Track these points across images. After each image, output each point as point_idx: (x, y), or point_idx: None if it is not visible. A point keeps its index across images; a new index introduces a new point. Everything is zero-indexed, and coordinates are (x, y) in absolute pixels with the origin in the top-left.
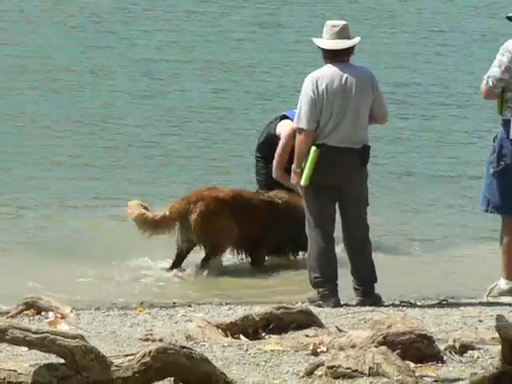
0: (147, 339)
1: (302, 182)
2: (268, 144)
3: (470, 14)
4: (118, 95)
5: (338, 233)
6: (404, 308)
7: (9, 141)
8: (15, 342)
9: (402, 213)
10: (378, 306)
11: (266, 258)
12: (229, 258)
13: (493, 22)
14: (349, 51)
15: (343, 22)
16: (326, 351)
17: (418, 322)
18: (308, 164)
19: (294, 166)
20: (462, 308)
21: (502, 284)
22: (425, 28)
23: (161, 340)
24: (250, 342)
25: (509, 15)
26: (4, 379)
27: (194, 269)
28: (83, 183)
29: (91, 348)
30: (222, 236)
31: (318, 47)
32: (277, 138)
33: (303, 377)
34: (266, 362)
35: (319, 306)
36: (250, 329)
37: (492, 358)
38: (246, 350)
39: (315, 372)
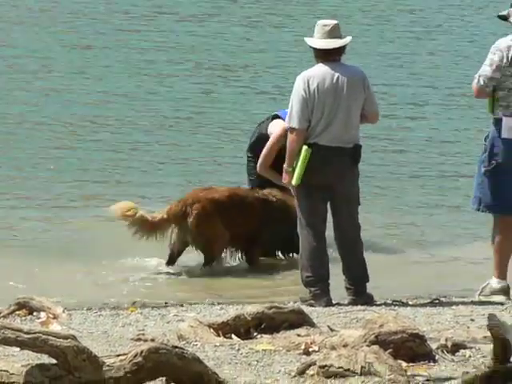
0: (139, 339)
1: (294, 182)
2: (260, 144)
3: (463, 14)
4: (110, 96)
5: (329, 232)
6: (396, 307)
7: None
8: (7, 342)
9: (393, 213)
10: (369, 305)
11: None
12: (222, 257)
13: (485, 21)
14: (340, 50)
15: (334, 22)
16: (318, 350)
17: (409, 321)
18: (299, 163)
19: (285, 166)
20: (453, 307)
21: (494, 283)
22: (417, 27)
23: (153, 340)
24: (242, 341)
25: (500, 14)
26: None
27: (185, 269)
28: (74, 184)
29: (83, 348)
30: (217, 239)
31: (310, 46)
32: (268, 138)
33: (295, 376)
34: (257, 361)
35: (311, 305)
36: (242, 328)
37: (484, 356)
38: (238, 349)
39: (307, 371)
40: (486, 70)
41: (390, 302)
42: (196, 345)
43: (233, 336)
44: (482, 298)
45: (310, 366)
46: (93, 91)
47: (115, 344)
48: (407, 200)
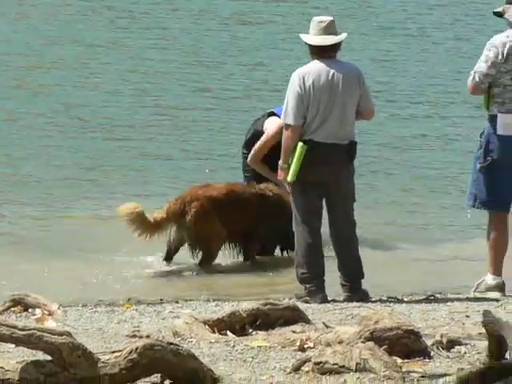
0: (134, 336)
1: (289, 178)
2: (255, 140)
3: (458, 12)
4: (103, 94)
5: (325, 229)
6: (391, 304)
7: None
8: (2, 338)
9: (389, 210)
10: (365, 302)
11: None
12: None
13: (479, 18)
14: (335, 47)
15: (330, 18)
16: (313, 347)
17: (405, 317)
18: (295, 160)
19: (280, 162)
20: (449, 303)
21: (489, 279)
22: (411, 25)
23: (148, 336)
24: (237, 338)
25: (495, 10)
26: None
27: (181, 266)
28: (69, 181)
29: (78, 345)
30: (215, 237)
31: (305, 43)
32: None
33: (290, 373)
34: (253, 358)
35: (306, 302)
36: (237, 325)
37: (479, 353)
38: (233, 346)
39: (302, 368)
40: (481, 66)
41: (386, 298)
42: (191, 341)
43: (228, 332)
44: (477, 295)
45: (305, 362)
46: (86, 88)
47: (110, 340)
48: (403, 198)
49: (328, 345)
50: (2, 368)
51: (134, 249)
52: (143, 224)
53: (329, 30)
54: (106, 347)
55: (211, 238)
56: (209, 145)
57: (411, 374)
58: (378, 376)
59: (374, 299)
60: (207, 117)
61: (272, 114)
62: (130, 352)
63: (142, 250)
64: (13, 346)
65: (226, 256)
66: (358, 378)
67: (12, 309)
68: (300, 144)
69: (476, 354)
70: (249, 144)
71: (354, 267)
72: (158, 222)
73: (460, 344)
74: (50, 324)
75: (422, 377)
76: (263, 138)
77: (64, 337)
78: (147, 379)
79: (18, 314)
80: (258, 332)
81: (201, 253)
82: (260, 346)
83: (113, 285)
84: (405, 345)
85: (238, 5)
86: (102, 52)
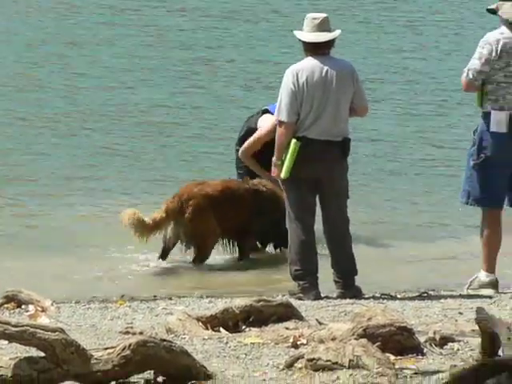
0: (127, 332)
1: (283, 175)
2: (248, 138)
3: (452, 8)
4: (96, 91)
5: (318, 226)
6: (384, 300)
7: None
8: None
9: (383, 207)
10: (358, 299)
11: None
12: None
13: (474, 16)
14: (329, 44)
15: (324, 15)
16: (306, 344)
17: (398, 314)
18: (288, 157)
19: (274, 159)
20: (442, 300)
21: (483, 276)
22: (406, 22)
23: (141, 333)
24: (230, 334)
25: (489, 7)
26: None
27: (174, 263)
28: (62, 178)
29: (71, 341)
30: (210, 234)
31: (299, 40)
32: None
33: (283, 369)
34: (246, 354)
35: (299, 298)
36: (230, 322)
37: (472, 350)
38: (226, 342)
39: (295, 364)
40: (474, 63)
41: (379, 295)
42: (184, 338)
43: (221, 329)
44: (471, 292)
45: (298, 359)
46: (80, 86)
47: (103, 337)
48: (396, 195)
49: (321, 341)
50: None
51: (127, 246)
52: (144, 228)
53: (323, 26)
54: (99, 344)
55: (207, 235)
56: (202, 142)
57: (404, 370)
58: (370, 373)
59: (367, 296)
60: (200, 114)
61: (266, 111)
62: (123, 348)
63: (135, 247)
64: (6, 342)
65: (220, 253)
66: (350, 375)
67: (5, 305)
68: (293, 141)
69: (469, 350)
70: (242, 141)
71: (348, 264)
72: (157, 222)
73: (453, 341)
74: (43, 320)
75: (415, 373)
76: (256, 134)
77: (57, 333)
78: (140, 376)
79: (11, 311)
80: (251, 329)
81: (195, 249)
82: (253, 343)
83: (106, 281)
84: (398, 341)
85: (231, 1)
86: (94, 49)
